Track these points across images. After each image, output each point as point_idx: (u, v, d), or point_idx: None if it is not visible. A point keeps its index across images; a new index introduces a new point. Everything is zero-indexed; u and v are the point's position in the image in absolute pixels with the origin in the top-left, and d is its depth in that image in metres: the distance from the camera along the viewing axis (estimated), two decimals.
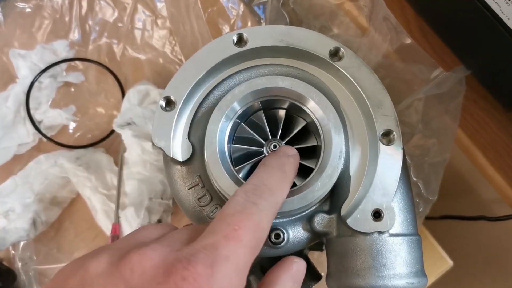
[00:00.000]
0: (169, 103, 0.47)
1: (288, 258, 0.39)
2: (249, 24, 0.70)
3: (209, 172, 0.46)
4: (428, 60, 0.56)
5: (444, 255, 0.76)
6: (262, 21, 0.69)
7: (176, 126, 0.47)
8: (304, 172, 0.48)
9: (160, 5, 0.75)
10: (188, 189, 0.48)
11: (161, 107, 0.47)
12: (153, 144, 0.48)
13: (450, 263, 0.76)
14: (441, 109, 0.62)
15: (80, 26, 0.77)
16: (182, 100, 0.47)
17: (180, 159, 0.47)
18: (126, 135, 0.72)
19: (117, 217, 0.72)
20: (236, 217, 0.34)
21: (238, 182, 0.45)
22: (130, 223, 0.70)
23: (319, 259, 0.72)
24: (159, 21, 0.76)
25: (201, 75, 0.48)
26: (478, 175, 0.67)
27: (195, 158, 0.48)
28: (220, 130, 0.46)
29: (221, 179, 0.44)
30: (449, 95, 0.61)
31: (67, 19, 0.77)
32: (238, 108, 0.47)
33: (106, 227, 0.73)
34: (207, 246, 0.32)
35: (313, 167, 0.47)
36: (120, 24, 0.77)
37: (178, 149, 0.47)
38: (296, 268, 0.39)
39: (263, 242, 0.35)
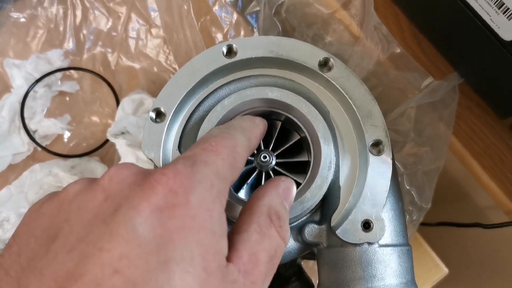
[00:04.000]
0: (159, 115, 0.47)
1: (276, 177, 0.39)
2: (242, 33, 0.70)
3: None
4: (419, 69, 0.56)
5: (439, 262, 0.76)
6: (255, 30, 0.69)
7: (167, 137, 0.47)
8: None
9: (154, 14, 0.76)
10: None
11: (151, 118, 0.47)
12: (145, 157, 0.48)
13: (445, 270, 0.75)
14: (435, 117, 0.62)
15: (74, 36, 0.77)
16: (172, 112, 0.47)
17: None
18: (120, 144, 0.72)
19: None
20: (212, 139, 0.34)
21: (230, 196, 0.45)
22: None
23: (314, 267, 0.72)
24: (153, 30, 0.77)
25: (191, 87, 0.48)
26: (472, 182, 0.67)
27: None
28: None
29: None
30: (443, 103, 0.61)
31: (61, 28, 0.77)
32: (230, 118, 0.47)
33: None
34: (185, 156, 0.32)
35: (301, 182, 0.47)
36: (114, 33, 0.77)
37: (169, 160, 0.47)
38: (284, 186, 0.38)
39: (239, 168, 0.35)
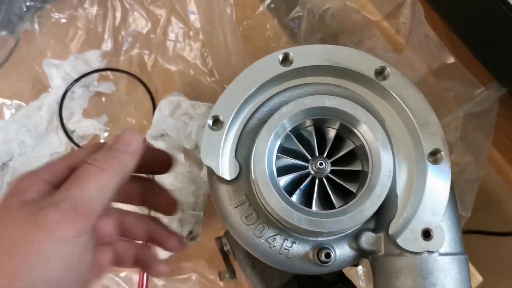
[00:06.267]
0: (217, 122, 0.48)
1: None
2: (283, 38, 0.70)
3: (257, 191, 0.46)
4: (470, 78, 0.56)
5: (473, 270, 0.76)
6: (298, 38, 0.69)
7: (224, 145, 0.48)
8: (344, 193, 0.49)
9: (193, 18, 0.76)
10: (235, 208, 0.48)
11: (209, 126, 0.48)
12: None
13: (479, 279, 0.75)
14: (474, 126, 0.62)
15: (112, 37, 0.78)
16: (230, 120, 0.48)
17: (228, 178, 0.47)
18: (159, 147, 0.73)
19: None
20: None
21: (286, 200, 0.45)
22: None
23: (349, 273, 0.72)
24: (191, 33, 0.77)
25: (248, 95, 0.48)
26: (508, 191, 0.67)
27: (241, 176, 0.48)
28: (268, 149, 0.46)
29: (271, 198, 0.45)
30: (482, 112, 0.61)
31: (100, 29, 0.78)
32: (287, 125, 0.48)
33: None
34: None
35: (354, 191, 0.48)
36: (152, 36, 0.78)
37: (226, 168, 0.48)
38: None
39: None
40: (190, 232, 0.73)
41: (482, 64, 0.62)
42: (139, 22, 0.78)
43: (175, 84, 0.79)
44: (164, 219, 0.71)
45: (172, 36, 0.78)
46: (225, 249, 0.68)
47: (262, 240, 0.48)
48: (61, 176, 0.42)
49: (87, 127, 0.76)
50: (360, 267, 0.74)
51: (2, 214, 0.39)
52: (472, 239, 0.81)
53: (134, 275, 0.75)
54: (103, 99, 0.79)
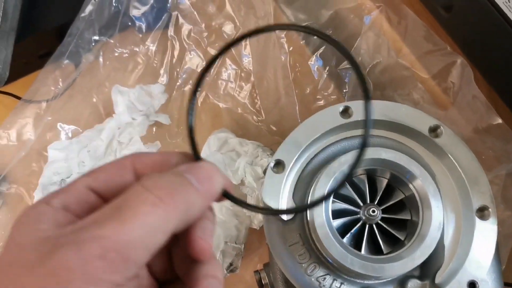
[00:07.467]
0: (279, 166, 0.52)
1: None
2: (331, 87, 0.74)
3: (311, 232, 0.50)
4: None
5: None
6: (345, 88, 0.73)
7: (284, 187, 0.52)
8: (391, 240, 0.52)
9: (246, 61, 0.80)
10: (289, 246, 0.52)
11: (271, 168, 0.51)
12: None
13: None
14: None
15: (168, 73, 0.82)
16: (291, 164, 0.52)
17: (285, 219, 0.51)
18: None
19: None
20: None
21: (341, 244, 0.48)
22: None
23: None
24: (243, 75, 0.81)
25: (309, 142, 0.52)
26: None
27: (296, 217, 0.52)
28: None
29: (327, 241, 0.48)
30: None
31: (157, 65, 0.82)
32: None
33: None
34: None
35: (402, 238, 0.51)
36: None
37: (284, 208, 0.52)
38: None
39: None
40: (230, 264, 0.76)
41: None
42: (195, 61, 0.82)
43: (223, 121, 0.83)
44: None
45: (224, 76, 0.82)
46: (263, 282, 0.71)
47: (312, 279, 0.51)
48: (90, 201, 0.31)
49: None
50: None
51: (4, 258, 0.27)
52: None
53: None
54: (154, 129, 0.84)
